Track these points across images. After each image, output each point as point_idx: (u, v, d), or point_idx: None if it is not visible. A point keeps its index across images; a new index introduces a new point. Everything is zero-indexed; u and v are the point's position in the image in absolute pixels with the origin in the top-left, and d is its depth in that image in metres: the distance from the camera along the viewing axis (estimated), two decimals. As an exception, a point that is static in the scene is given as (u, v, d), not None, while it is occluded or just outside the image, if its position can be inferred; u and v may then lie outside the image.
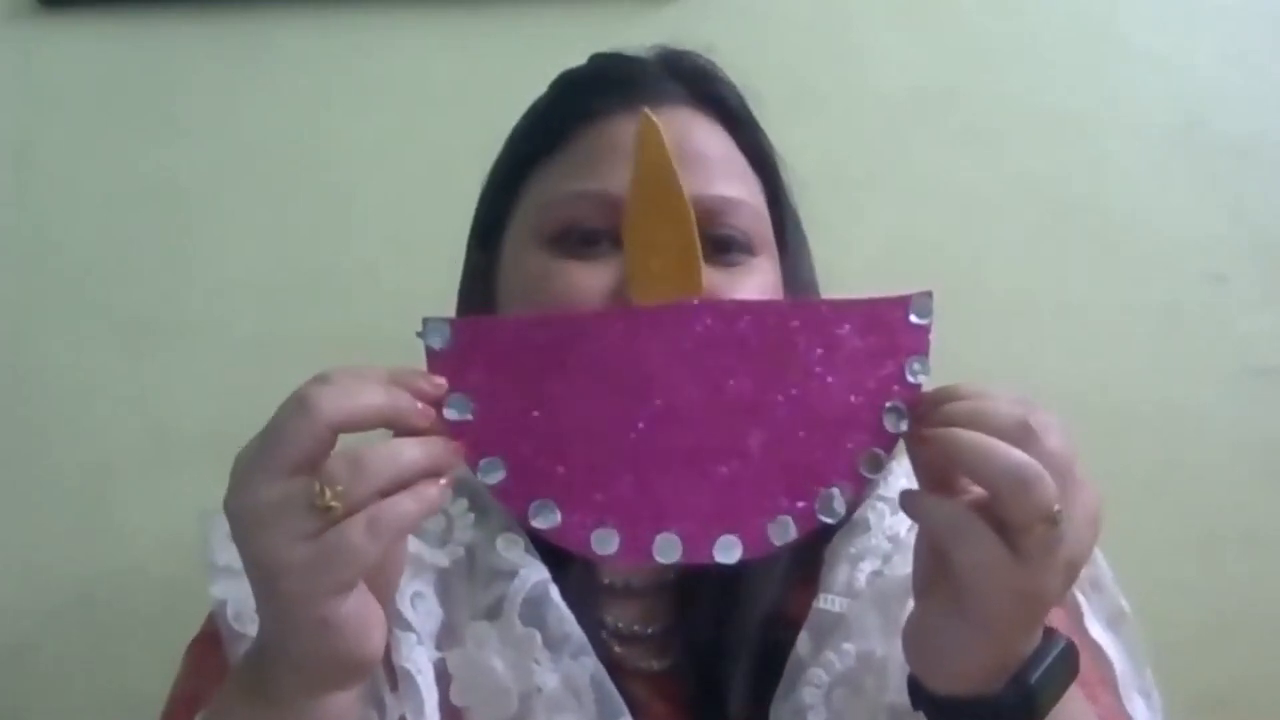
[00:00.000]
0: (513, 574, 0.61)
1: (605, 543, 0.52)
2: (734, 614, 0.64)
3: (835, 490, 0.52)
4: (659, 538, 0.52)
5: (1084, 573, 0.68)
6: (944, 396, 0.52)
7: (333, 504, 0.46)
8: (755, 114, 0.71)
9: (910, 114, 1.07)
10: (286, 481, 0.47)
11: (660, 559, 0.52)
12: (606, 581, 0.66)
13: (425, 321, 0.53)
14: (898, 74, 1.07)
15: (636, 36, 0.73)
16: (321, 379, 0.49)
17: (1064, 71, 1.08)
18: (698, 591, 0.65)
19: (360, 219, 1.05)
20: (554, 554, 0.61)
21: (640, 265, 0.55)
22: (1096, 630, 0.67)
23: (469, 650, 0.59)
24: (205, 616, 0.67)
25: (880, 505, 0.64)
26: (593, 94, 0.68)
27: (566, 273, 0.62)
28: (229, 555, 0.62)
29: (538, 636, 0.59)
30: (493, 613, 0.60)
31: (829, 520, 0.52)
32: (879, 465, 0.53)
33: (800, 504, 0.52)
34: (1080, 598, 0.67)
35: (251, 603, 0.61)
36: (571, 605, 0.60)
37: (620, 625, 0.65)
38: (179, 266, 1.05)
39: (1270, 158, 1.07)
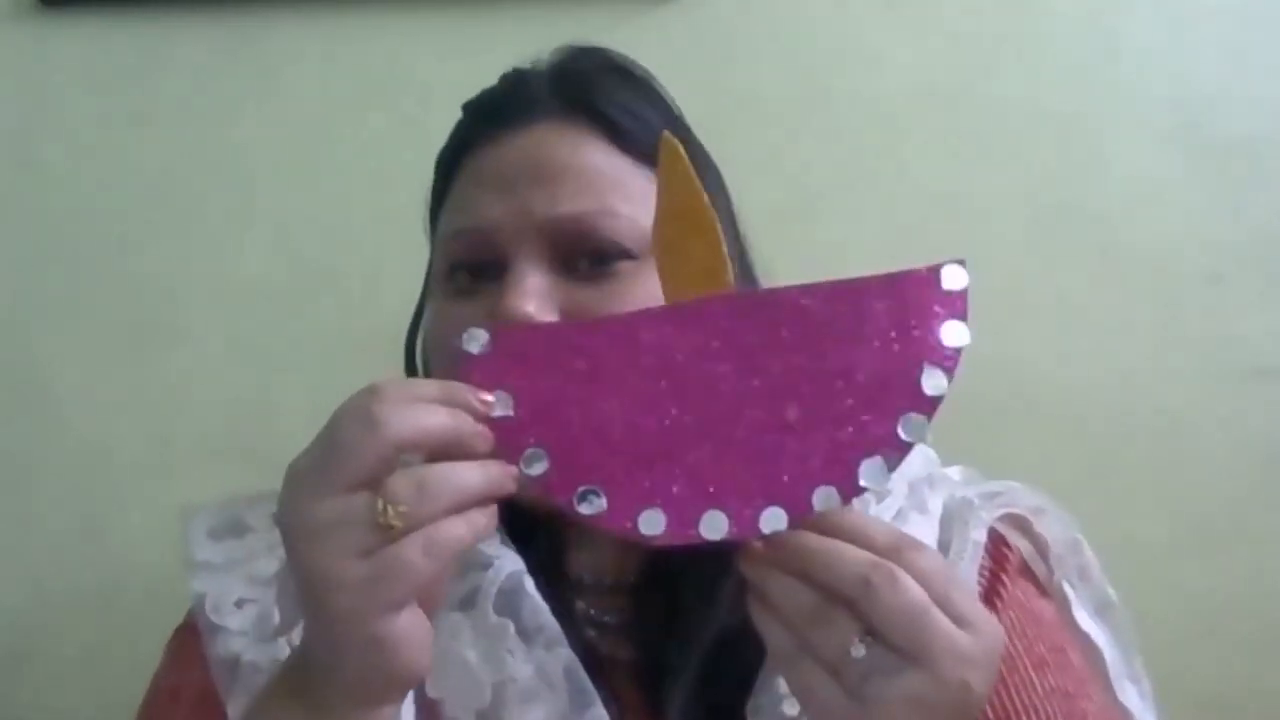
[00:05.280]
0: (488, 565, 0.61)
1: (652, 523, 0.52)
2: (682, 610, 0.63)
3: (880, 458, 0.52)
4: (706, 515, 0.52)
5: (1071, 562, 0.68)
6: (804, 529, 0.51)
7: (394, 523, 0.46)
8: (677, 111, 0.71)
9: (910, 114, 1.07)
10: (347, 497, 0.47)
11: (706, 535, 0.52)
12: (575, 576, 0.66)
13: (465, 331, 0.55)
14: (898, 74, 1.07)
15: (637, 36, 0.73)
16: (376, 393, 0.48)
17: (1064, 71, 1.08)
18: (651, 588, 0.65)
19: (361, 220, 1.05)
20: (527, 547, 0.61)
21: (673, 273, 0.57)
22: (1084, 620, 0.67)
23: (443, 641, 0.59)
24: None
25: (866, 495, 0.63)
26: (470, 124, 0.69)
27: (445, 314, 0.65)
28: (208, 551, 0.65)
29: (510, 627, 0.59)
30: (467, 603, 0.60)
31: (874, 488, 0.52)
32: (921, 430, 0.52)
33: (842, 474, 0.52)
34: (1067, 588, 0.68)
35: (229, 595, 0.63)
36: (546, 596, 0.60)
37: (593, 614, 0.65)
38: (179, 267, 1.05)
39: (1270, 158, 1.07)
